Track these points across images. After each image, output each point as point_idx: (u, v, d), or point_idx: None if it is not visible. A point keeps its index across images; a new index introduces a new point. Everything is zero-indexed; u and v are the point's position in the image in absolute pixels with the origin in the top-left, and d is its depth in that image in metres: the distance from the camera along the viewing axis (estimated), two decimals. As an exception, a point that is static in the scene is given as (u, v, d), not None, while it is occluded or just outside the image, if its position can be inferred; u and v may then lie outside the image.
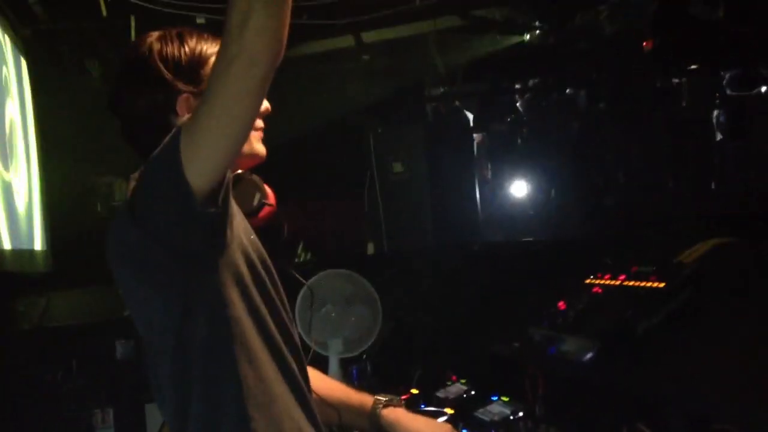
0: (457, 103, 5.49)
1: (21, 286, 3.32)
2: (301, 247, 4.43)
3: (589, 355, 1.75)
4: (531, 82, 5.82)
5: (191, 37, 1.48)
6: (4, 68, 3.21)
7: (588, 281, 1.98)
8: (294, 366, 1.49)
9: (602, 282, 1.93)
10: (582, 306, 1.88)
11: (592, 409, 1.93)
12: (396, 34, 4.58)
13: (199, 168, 1.26)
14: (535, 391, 2.11)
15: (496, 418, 2.17)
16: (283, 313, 1.51)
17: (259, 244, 1.52)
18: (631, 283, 1.81)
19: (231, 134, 1.27)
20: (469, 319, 2.67)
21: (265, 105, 1.57)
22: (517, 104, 6.14)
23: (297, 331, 1.57)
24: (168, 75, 1.44)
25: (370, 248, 4.57)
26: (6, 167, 3.10)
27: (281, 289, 1.54)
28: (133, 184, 1.38)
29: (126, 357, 3.48)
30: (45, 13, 3.54)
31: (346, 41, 4.64)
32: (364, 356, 3.06)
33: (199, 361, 1.37)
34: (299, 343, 1.55)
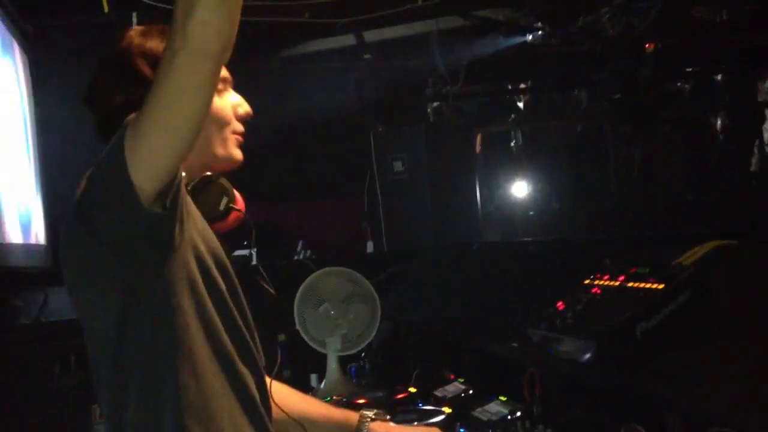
0: (458, 103, 5.49)
1: (20, 280, 3.32)
2: (300, 245, 4.43)
3: (587, 356, 1.75)
4: (532, 83, 5.82)
5: None
6: (5, 64, 3.21)
7: (587, 282, 1.98)
8: (248, 379, 1.44)
9: (601, 283, 1.92)
10: (580, 307, 1.88)
11: (589, 410, 1.93)
12: (398, 34, 4.58)
13: (144, 166, 1.23)
14: (532, 391, 2.10)
15: (493, 417, 2.17)
16: (240, 323, 1.46)
17: (220, 250, 1.47)
18: (630, 284, 1.81)
19: (175, 131, 1.23)
20: (467, 319, 2.67)
21: (246, 108, 1.54)
22: (519, 104, 6.15)
23: (258, 343, 1.51)
24: (147, 71, 1.41)
25: (370, 247, 4.58)
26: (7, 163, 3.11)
27: (242, 298, 1.49)
28: (83, 183, 1.34)
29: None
30: (46, 8, 3.54)
31: (348, 40, 4.64)
32: (363, 354, 3.07)
33: (138, 369, 1.33)
34: (259, 356, 1.50)
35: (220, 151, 1.51)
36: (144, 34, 1.47)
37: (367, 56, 4.84)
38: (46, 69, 3.78)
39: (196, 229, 1.42)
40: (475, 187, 4.55)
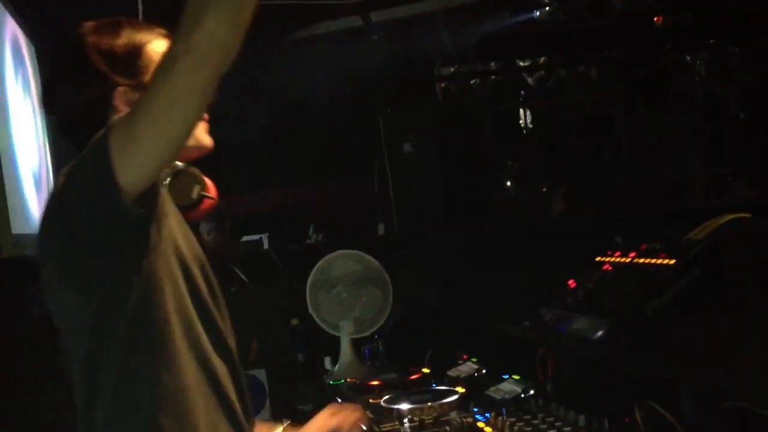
0: (467, 82, 5.46)
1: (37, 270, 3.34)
2: (311, 228, 4.44)
3: (599, 334, 1.74)
4: (541, 60, 5.77)
5: (126, 27, 1.44)
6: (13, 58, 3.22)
7: (598, 259, 1.97)
8: (224, 376, 1.44)
9: (612, 260, 1.91)
10: (592, 284, 1.87)
11: (602, 388, 1.93)
12: (404, 13, 4.55)
13: (132, 168, 1.23)
14: (545, 370, 2.11)
15: (507, 396, 2.17)
16: (218, 319, 1.46)
17: (198, 246, 1.48)
18: (641, 261, 1.80)
19: (168, 136, 1.23)
20: (479, 299, 2.67)
21: None
22: (528, 82, 6.10)
23: (234, 340, 1.51)
24: (104, 68, 1.39)
25: (381, 229, 4.58)
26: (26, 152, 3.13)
27: (219, 294, 1.50)
28: (61, 179, 1.34)
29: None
30: (52, -2, 3.54)
31: (354, 21, 4.61)
32: (376, 336, 3.07)
33: (112, 366, 1.33)
34: (235, 352, 1.50)
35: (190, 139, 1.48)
36: (97, 31, 1.44)
37: (374, 37, 4.81)
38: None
39: (175, 226, 1.43)
40: (485, 167, 4.53)
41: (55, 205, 1.34)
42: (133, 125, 1.23)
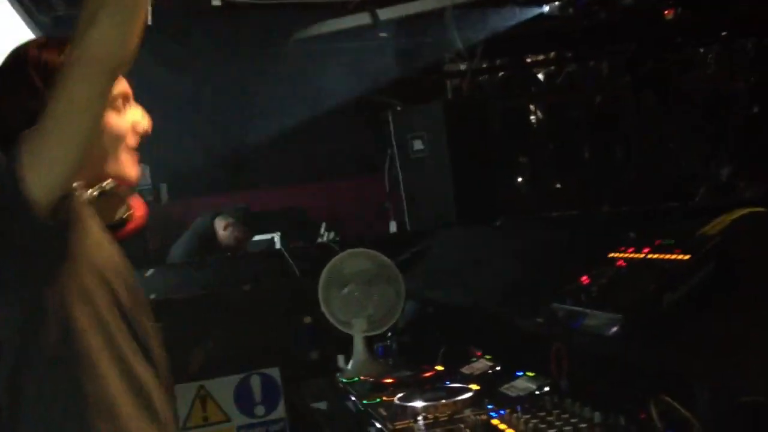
0: (476, 78, 5.45)
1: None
2: (323, 227, 4.44)
3: (613, 330, 1.74)
4: (551, 55, 5.76)
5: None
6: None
7: (611, 255, 1.96)
8: (148, 384, 1.46)
9: (626, 255, 1.91)
10: (605, 280, 1.87)
11: (617, 383, 1.93)
12: (412, 10, 4.54)
13: (41, 177, 1.25)
14: (560, 366, 2.10)
15: (521, 393, 2.17)
16: (141, 330, 1.47)
17: (122, 260, 1.49)
18: (655, 256, 1.79)
19: (71, 141, 1.26)
20: (492, 295, 2.67)
21: (144, 126, 1.54)
22: (538, 77, 6.09)
23: (160, 349, 1.52)
24: (38, 82, 1.41)
25: (393, 226, 4.58)
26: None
27: (144, 305, 1.51)
28: None
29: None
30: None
31: (363, 19, 4.61)
32: (389, 334, 3.07)
33: (37, 376, 1.35)
34: (162, 361, 1.51)
35: (112, 168, 1.50)
36: (41, 46, 1.46)
37: (382, 35, 4.81)
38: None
39: (95, 239, 1.43)
40: (497, 163, 4.52)
41: None
42: (38, 134, 1.26)
